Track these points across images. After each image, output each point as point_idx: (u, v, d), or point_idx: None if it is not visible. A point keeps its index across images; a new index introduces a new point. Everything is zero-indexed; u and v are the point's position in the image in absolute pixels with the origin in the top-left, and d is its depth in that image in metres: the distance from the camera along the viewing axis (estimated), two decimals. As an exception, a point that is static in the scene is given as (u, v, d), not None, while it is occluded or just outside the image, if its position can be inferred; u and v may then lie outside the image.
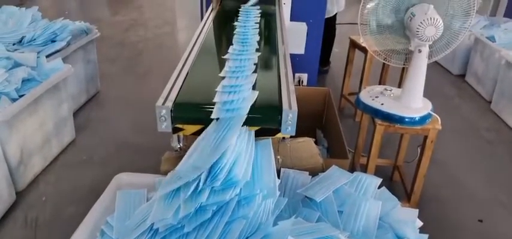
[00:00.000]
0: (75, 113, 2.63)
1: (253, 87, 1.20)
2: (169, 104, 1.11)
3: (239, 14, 1.92)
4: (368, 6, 1.66)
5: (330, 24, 3.22)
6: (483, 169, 2.35)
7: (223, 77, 1.24)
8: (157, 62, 3.73)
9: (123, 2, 5.75)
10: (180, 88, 1.22)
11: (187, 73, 1.34)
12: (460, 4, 1.59)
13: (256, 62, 1.27)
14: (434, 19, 1.45)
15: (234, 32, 1.59)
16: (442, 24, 1.47)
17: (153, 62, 3.74)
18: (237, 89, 1.16)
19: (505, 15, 3.74)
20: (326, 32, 2.80)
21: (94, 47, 2.92)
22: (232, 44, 1.49)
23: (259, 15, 1.95)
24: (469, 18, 1.60)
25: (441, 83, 3.43)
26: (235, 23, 1.75)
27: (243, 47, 1.42)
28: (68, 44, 2.53)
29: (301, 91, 2.19)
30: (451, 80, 3.49)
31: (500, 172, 2.33)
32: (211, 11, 2.08)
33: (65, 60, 2.39)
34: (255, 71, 1.30)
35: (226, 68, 1.25)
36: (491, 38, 3.09)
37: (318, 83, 3.02)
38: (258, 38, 1.53)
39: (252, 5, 2.13)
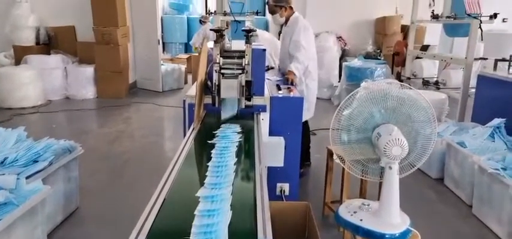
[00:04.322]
0: (50, 234, 2.54)
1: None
2: (142, 238, 1.11)
3: (218, 134, 2.00)
4: (340, 117, 1.77)
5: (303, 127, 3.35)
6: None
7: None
8: (141, 173, 3.73)
9: (111, 114, 5.92)
10: (155, 218, 1.23)
11: (164, 200, 1.35)
12: (419, 115, 1.71)
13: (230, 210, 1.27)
14: (399, 140, 1.55)
15: (208, 165, 1.61)
16: (407, 144, 1.56)
17: (137, 174, 3.74)
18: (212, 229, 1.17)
19: (472, 120, 3.98)
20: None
21: (76, 164, 2.94)
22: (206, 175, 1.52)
23: (238, 133, 2.03)
24: (434, 124, 1.71)
25: (421, 187, 3.49)
26: (213, 148, 1.80)
27: (214, 194, 1.38)
28: (51, 163, 2.55)
29: (282, 206, 2.20)
30: (430, 184, 3.56)
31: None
32: (192, 130, 2.17)
33: (45, 179, 2.39)
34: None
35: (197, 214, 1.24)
36: (462, 144, 3.24)
37: (300, 190, 3.05)
38: (233, 173, 1.54)
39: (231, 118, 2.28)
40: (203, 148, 1.88)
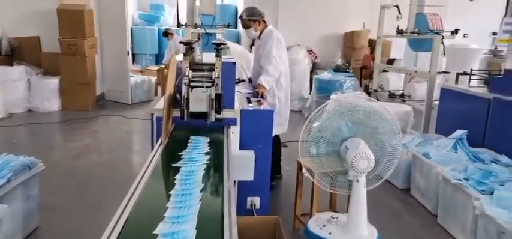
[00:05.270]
0: (8, 256, 2.39)
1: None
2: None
3: (183, 156, 1.88)
4: (309, 130, 1.78)
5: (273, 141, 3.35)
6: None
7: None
8: (107, 190, 3.60)
9: (77, 127, 5.72)
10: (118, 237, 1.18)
11: (127, 219, 1.30)
12: (384, 128, 1.75)
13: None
14: (365, 153, 1.58)
15: (171, 193, 1.45)
16: (373, 157, 1.59)
17: (103, 191, 3.60)
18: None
19: (436, 132, 4.12)
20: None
21: (37, 181, 2.79)
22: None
23: (206, 155, 1.91)
24: (398, 136, 1.75)
25: (388, 198, 3.57)
26: (178, 172, 1.69)
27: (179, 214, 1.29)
28: (8, 180, 2.41)
29: (251, 221, 2.17)
30: (397, 195, 3.65)
31: None
32: (160, 144, 2.11)
33: (2, 198, 2.26)
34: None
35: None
36: (427, 155, 3.34)
37: (271, 203, 3.03)
38: (199, 203, 1.38)
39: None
40: (167, 170, 1.74)
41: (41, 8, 6.61)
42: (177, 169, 1.69)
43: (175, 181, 1.56)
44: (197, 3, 4.99)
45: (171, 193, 1.45)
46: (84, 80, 6.58)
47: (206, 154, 1.91)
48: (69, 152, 4.61)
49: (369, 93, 5.67)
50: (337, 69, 7.30)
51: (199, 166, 1.73)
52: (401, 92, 5.32)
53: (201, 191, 1.47)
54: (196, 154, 1.89)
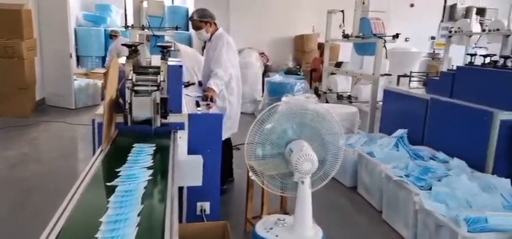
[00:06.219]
0: None
1: None
2: None
3: (129, 156, 1.82)
4: (256, 131, 1.77)
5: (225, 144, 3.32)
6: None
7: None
8: (47, 202, 3.34)
9: (14, 135, 5.30)
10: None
11: (59, 232, 1.21)
12: (328, 129, 1.79)
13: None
14: (309, 155, 1.60)
15: (102, 221, 1.24)
16: (317, 159, 1.62)
17: (42, 203, 3.35)
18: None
19: (380, 131, 4.32)
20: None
21: (-37, 196, 2.55)
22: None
23: (148, 169, 1.71)
24: (341, 136, 1.80)
25: (335, 196, 3.67)
26: (117, 181, 1.56)
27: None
28: None
29: (198, 228, 2.13)
30: (344, 193, 3.77)
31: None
32: (101, 151, 2.01)
33: None
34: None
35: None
36: (371, 153, 3.49)
37: (223, 207, 3.00)
38: (136, 229, 1.20)
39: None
40: (102, 189, 1.54)
41: (-28, 7, 6.07)
42: (113, 189, 1.47)
43: (109, 204, 1.34)
44: (144, 4, 4.84)
45: (101, 220, 1.23)
46: (22, 84, 6.14)
47: (149, 168, 1.71)
48: (5, 162, 4.27)
49: (318, 95, 5.82)
50: (288, 72, 7.42)
51: (140, 183, 1.53)
52: (348, 93, 5.52)
53: (139, 215, 1.27)
54: (138, 169, 1.69)
